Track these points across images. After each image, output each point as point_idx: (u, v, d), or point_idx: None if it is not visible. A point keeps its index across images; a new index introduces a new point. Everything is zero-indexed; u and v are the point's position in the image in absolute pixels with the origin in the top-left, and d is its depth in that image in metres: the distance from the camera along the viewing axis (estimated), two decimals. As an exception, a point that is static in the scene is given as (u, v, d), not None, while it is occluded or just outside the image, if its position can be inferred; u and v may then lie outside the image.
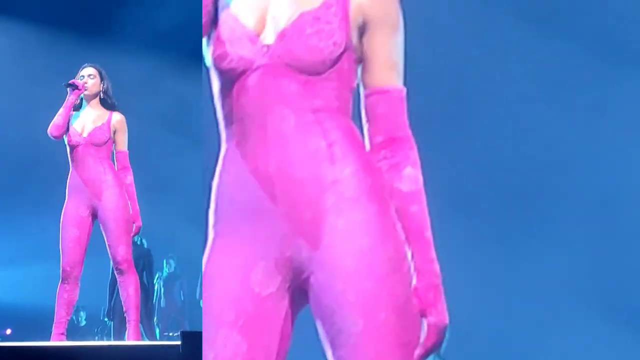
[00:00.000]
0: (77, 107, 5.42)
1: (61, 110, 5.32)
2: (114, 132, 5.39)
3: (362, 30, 2.15)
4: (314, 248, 2.06)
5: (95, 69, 5.45)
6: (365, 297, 2.03)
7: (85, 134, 5.33)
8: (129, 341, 5.16)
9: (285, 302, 2.11)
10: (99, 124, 5.37)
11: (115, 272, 5.31)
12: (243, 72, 2.12)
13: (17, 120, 5.78)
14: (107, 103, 5.45)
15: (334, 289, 2.04)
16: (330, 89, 2.11)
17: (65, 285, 5.25)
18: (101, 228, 5.30)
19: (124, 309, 5.30)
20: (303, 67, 2.09)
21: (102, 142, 5.32)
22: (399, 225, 2.09)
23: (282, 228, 2.08)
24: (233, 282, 2.10)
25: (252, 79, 2.12)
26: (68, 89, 5.31)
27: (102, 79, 5.44)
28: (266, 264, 2.10)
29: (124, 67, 5.46)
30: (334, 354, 2.06)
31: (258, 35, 2.14)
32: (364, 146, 2.14)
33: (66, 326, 5.30)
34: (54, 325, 5.24)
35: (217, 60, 2.15)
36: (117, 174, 5.37)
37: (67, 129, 5.33)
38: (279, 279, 2.10)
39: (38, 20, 8.24)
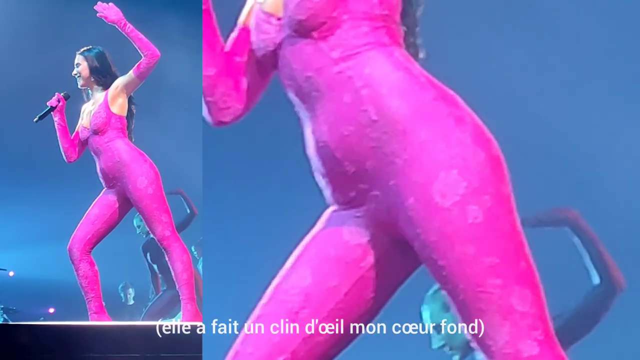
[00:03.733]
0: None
1: (59, 138, 5.20)
2: (114, 99, 5.09)
3: None
4: (387, 185, 2.00)
5: (80, 54, 5.18)
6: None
7: (88, 126, 5.10)
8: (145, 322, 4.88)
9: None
10: (96, 108, 5.10)
11: None
12: (274, 53, 2.12)
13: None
14: (103, 81, 5.15)
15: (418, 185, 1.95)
16: (344, 31, 2.04)
17: (74, 263, 5.12)
18: None
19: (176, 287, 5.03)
20: (305, 27, 2.05)
21: (102, 124, 5.04)
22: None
23: (358, 188, 2.05)
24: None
25: (280, 58, 2.12)
26: (52, 113, 5.18)
27: (87, 61, 5.15)
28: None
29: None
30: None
31: (273, 15, 2.13)
32: (398, 67, 2.02)
33: (97, 304, 5.12)
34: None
35: (255, 53, 2.18)
36: (130, 148, 5.09)
37: (77, 147, 5.22)
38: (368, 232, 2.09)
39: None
